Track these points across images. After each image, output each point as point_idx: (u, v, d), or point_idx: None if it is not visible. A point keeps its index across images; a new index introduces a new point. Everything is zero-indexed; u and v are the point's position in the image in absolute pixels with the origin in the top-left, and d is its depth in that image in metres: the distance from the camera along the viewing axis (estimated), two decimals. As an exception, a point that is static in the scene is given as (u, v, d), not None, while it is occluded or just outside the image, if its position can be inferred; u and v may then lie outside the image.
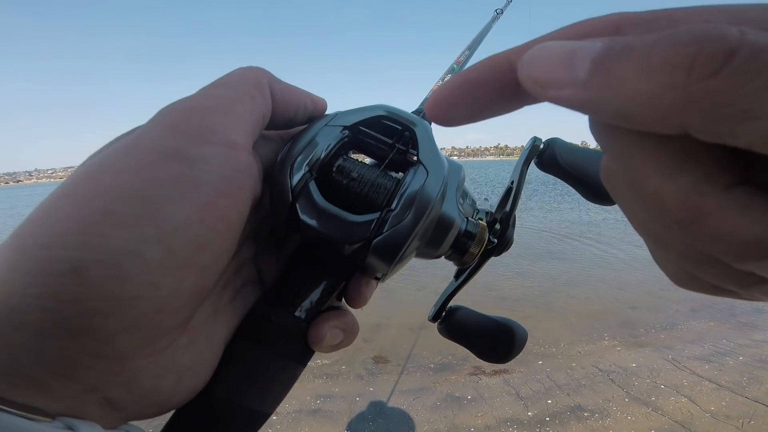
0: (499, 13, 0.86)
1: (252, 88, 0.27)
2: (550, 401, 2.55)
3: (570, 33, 0.16)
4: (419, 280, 4.36)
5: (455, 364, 2.96)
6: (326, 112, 0.32)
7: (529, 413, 2.45)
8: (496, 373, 2.83)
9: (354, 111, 0.30)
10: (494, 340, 0.38)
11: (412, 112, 0.32)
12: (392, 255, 0.27)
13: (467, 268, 0.39)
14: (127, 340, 0.20)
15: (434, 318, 0.40)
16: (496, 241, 0.37)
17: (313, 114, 0.31)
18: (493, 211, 0.39)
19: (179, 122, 0.23)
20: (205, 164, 0.22)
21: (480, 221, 0.33)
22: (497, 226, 0.38)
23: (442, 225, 0.30)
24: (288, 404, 2.48)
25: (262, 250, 0.31)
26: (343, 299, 0.32)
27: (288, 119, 0.30)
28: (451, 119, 0.19)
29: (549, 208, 10.84)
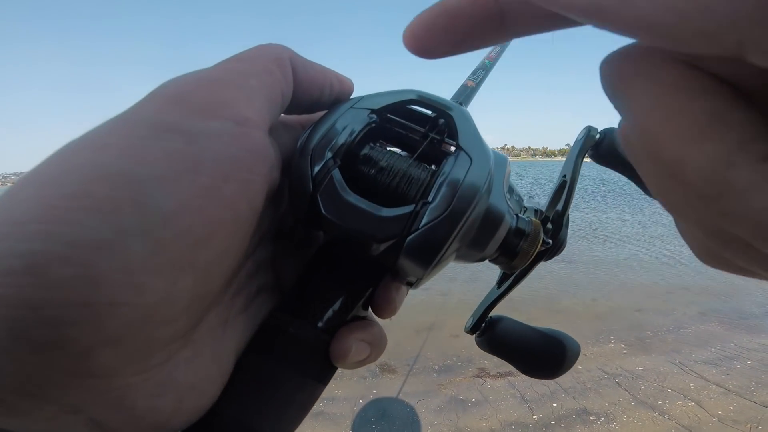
0: None
1: (271, 63, 0.23)
2: (555, 405, 2.53)
3: None
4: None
5: (459, 366, 2.94)
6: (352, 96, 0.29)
7: (534, 417, 2.43)
8: (500, 375, 2.81)
9: (382, 94, 0.27)
10: (542, 355, 0.34)
11: None
12: (429, 257, 0.23)
13: (512, 274, 0.35)
14: (110, 356, 0.16)
15: (473, 329, 0.36)
16: (550, 242, 0.32)
17: (339, 96, 0.28)
18: (544, 209, 0.35)
19: (181, 94, 0.20)
20: (208, 141, 0.19)
21: (532, 219, 0.29)
22: (549, 225, 0.34)
23: (490, 222, 0.26)
24: (291, 406, 2.46)
25: (282, 252, 0.27)
26: (370, 308, 0.28)
27: (312, 100, 0.26)
28: (429, 50, 0.18)
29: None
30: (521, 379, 2.77)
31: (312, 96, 0.26)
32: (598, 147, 0.34)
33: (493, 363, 2.86)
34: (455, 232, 0.22)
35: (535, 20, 0.16)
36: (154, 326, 0.17)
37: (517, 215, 0.28)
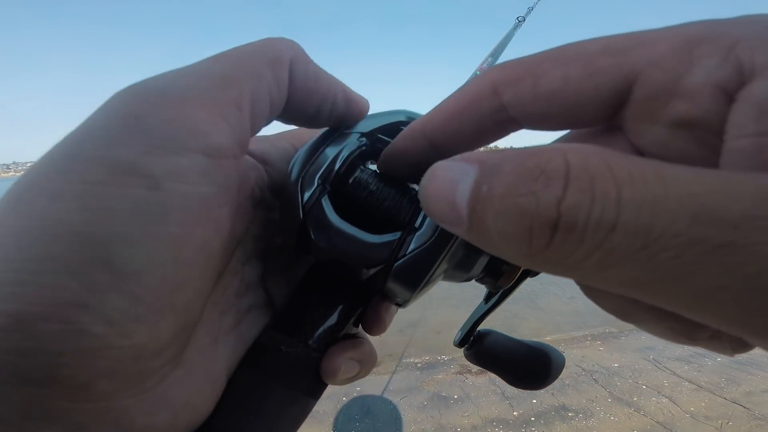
0: (520, 20, 0.87)
1: (264, 65, 0.21)
2: (534, 401, 2.58)
3: (455, 104, 0.18)
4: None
5: (442, 364, 2.97)
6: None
7: (515, 413, 2.47)
8: (482, 372, 2.85)
9: (372, 116, 0.27)
10: (529, 367, 0.35)
11: None
12: (416, 281, 0.23)
13: (498, 292, 0.36)
14: (107, 385, 0.17)
15: (461, 343, 0.37)
16: None
17: (345, 116, 0.26)
18: None
19: (140, 116, 0.17)
20: (175, 183, 0.17)
21: None
22: None
23: (474, 245, 0.26)
24: (274, 404, 2.45)
25: (271, 271, 0.27)
26: (360, 326, 0.29)
27: (309, 115, 0.24)
28: (403, 176, 0.23)
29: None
30: (502, 376, 2.81)
31: (308, 110, 0.24)
32: None
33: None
34: (440, 258, 0.23)
35: (457, 148, 0.19)
36: (143, 360, 0.18)
37: None
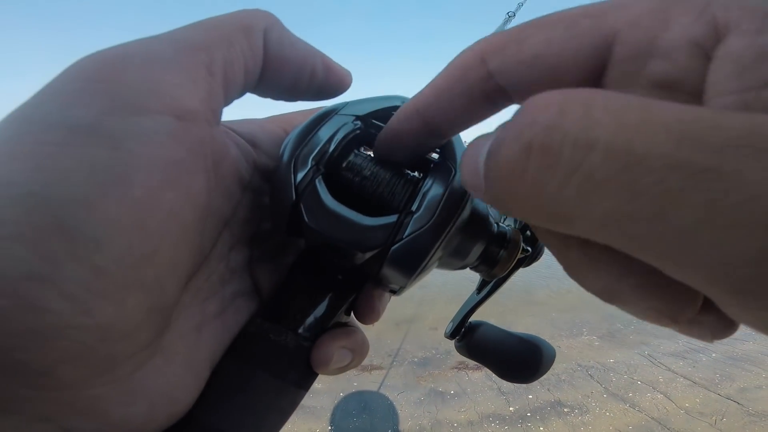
0: (510, 16, 0.89)
1: (236, 31, 0.20)
2: (531, 396, 2.59)
3: (445, 77, 0.18)
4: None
5: (439, 359, 2.98)
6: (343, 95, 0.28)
7: (511, 408, 2.48)
8: (478, 368, 2.86)
9: (367, 100, 0.26)
10: (519, 360, 0.34)
11: None
12: (413, 266, 0.22)
13: (492, 281, 0.35)
14: (71, 371, 0.15)
15: (452, 335, 0.36)
16: (529, 249, 0.33)
17: (326, 86, 0.25)
18: None
19: (100, 79, 0.16)
20: (139, 144, 0.16)
21: (512, 227, 0.30)
22: (528, 233, 0.34)
23: (471, 230, 0.26)
24: (271, 399, 2.45)
25: (259, 257, 0.26)
26: (352, 314, 0.28)
27: (287, 84, 0.23)
28: (391, 156, 0.23)
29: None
30: (498, 371, 2.82)
31: (286, 78, 0.23)
32: None
33: (471, 355, 2.90)
34: (438, 242, 0.22)
35: (452, 125, 0.19)
36: (112, 343, 0.16)
37: (497, 224, 0.29)
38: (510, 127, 0.12)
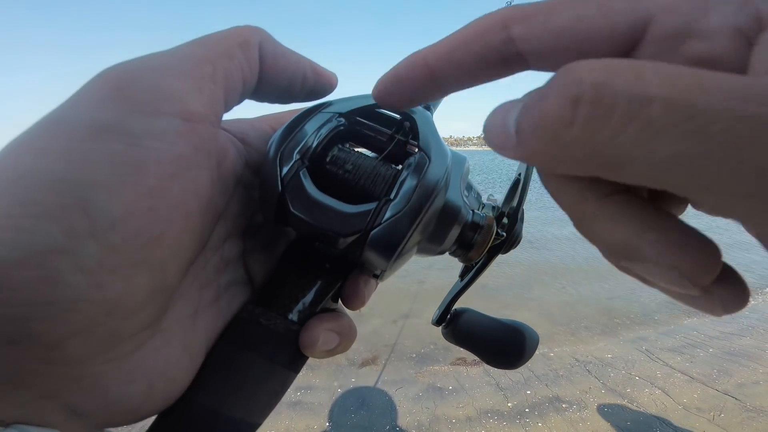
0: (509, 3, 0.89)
1: (234, 47, 0.23)
2: (529, 392, 2.59)
3: (462, 34, 0.18)
4: (401, 270, 4.26)
5: (436, 354, 2.97)
6: (331, 94, 0.30)
7: (509, 404, 2.48)
8: (476, 363, 2.86)
9: (349, 98, 0.28)
10: (503, 345, 0.35)
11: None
12: (392, 248, 0.24)
13: (473, 267, 0.37)
14: (80, 346, 0.17)
15: (438, 321, 0.38)
16: (504, 235, 0.34)
17: (316, 88, 0.28)
18: (500, 205, 0.37)
19: (121, 87, 0.19)
20: (152, 141, 0.19)
21: (487, 214, 0.31)
22: (505, 220, 0.35)
23: (446, 216, 0.28)
24: (269, 396, 2.44)
25: (251, 249, 0.29)
26: (340, 300, 0.29)
27: (282, 89, 0.27)
28: (391, 105, 0.22)
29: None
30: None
31: (281, 84, 0.26)
32: None
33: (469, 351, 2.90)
34: (414, 225, 0.24)
35: (458, 81, 0.19)
36: (117, 319, 0.18)
37: (473, 210, 0.30)
38: (552, 85, 0.13)
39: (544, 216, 6.96)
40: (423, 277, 4.04)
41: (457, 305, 0.38)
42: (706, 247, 0.14)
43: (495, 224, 0.31)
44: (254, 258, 0.29)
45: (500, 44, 0.17)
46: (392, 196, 0.24)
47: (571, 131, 0.12)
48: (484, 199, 0.35)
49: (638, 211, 0.14)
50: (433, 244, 0.29)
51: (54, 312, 0.16)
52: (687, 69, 0.11)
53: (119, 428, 0.23)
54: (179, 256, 0.20)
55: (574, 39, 0.16)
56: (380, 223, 0.24)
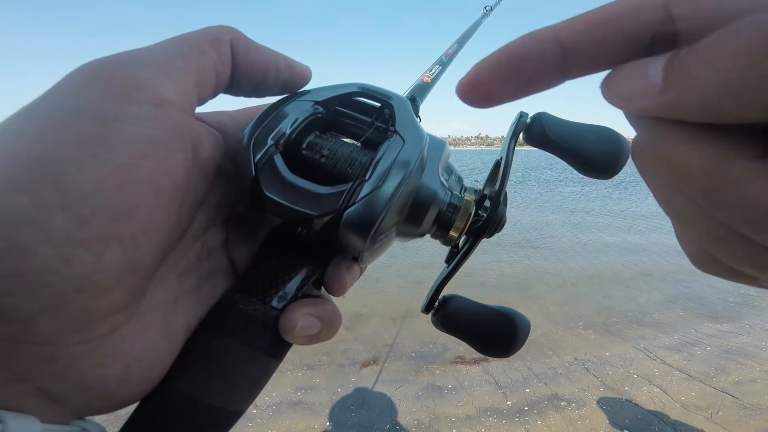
0: (488, 10, 0.90)
1: (206, 43, 0.24)
2: (528, 390, 2.60)
3: (609, 9, 0.16)
4: (400, 269, 4.36)
5: (436, 353, 2.98)
6: (308, 85, 0.30)
7: (509, 402, 2.49)
8: (476, 362, 2.87)
9: (326, 87, 0.29)
10: (494, 332, 0.34)
11: None
12: (367, 228, 0.24)
13: (458, 251, 0.36)
14: (51, 323, 0.17)
15: (426, 309, 0.37)
16: (484, 215, 0.33)
17: (290, 81, 0.29)
18: (482, 188, 0.36)
19: (97, 77, 0.20)
20: (124, 123, 0.20)
21: (466, 196, 0.31)
22: (487, 203, 0.34)
23: (423, 197, 0.28)
24: (268, 396, 2.46)
25: (234, 239, 0.29)
26: (324, 288, 0.29)
27: (256, 82, 0.27)
28: (492, 97, 0.18)
29: (529, 199, 10.98)
30: (495, 365, 2.83)
31: (255, 78, 0.27)
32: (529, 130, 0.34)
33: (469, 349, 2.89)
34: (388, 203, 0.24)
35: (593, 63, 0.17)
36: (88, 296, 0.18)
37: (451, 192, 0.30)
38: (718, 33, 0.12)
39: (543, 218, 6.97)
40: (422, 277, 4.06)
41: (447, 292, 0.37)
42: None
43: (474, 205, 0.31)
44: (237, 248, 0.29)
45: (658, 22, 0.16)
46: (367, 176, 0.24)
47: (750, 69, 0.11)
48: (468, 183, 0.35)
49: None
50: (411, 226, 0.29)
51: (22, 285, 0.16)
52: None
53: (104, 416, 0.23)
54: (152, 234, 0.20)
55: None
56: (355, 202, 0.24)
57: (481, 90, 0.18)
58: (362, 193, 0.24)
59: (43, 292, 0.17)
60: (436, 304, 0.36)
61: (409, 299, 3.66)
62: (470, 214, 0.30)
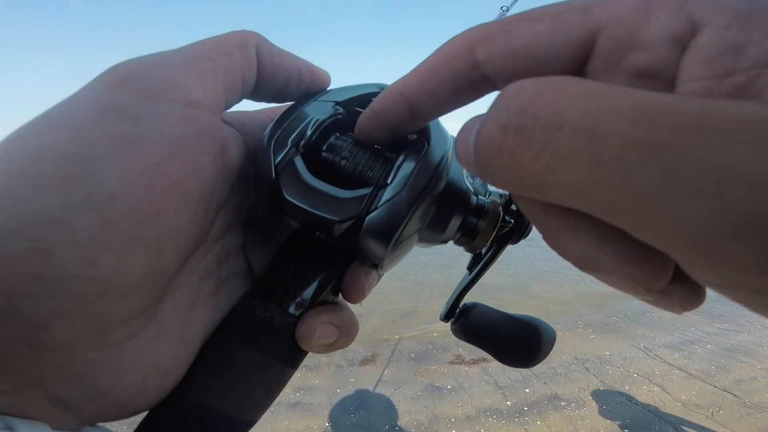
0: (505, 10, 0.88)
1: (233, 47, 0.24)
2: (527, 390, 2.60)
3: (432, 63, 0.18)
4: (399, 269, 4.29)
5: (435, 354, 2.97)
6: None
7: (508, 402, 2.49)
8: (475, 362, 2.86)
9: (346, 88, 0.28)
10: (517, 342, 0.32)
11: None
12: (389, 234, 0.23)
13: (481, 258, 0.34)
14: (67, 328, 0.17)
15: (446, 317, 0.35)
16: (511, 221, 0.32)
17: (311, 86, 0.28)
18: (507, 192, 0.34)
19: (129, 77, 0.20)
20: (153, 122, 0.19)
21: (493, 200, 0.30)
22: (514, 207, 0.32)
23: (447, 201, 0.27)
24: (267, 397, 2.44)
25: (252, 241, 0.28)
26: (341, 295, 0.28)
27: (279, 87, 0.27)
28: (376, 140, 0.24)
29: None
30: (495, 366, 2.83)
31: (278, 83, 0.27)
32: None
33: (468, 350, 2.91)
34: (412, 209, 0.23)
35: (435, 110, 0.20)
36: (109, 300, 0.18)
37: (477, 196, 0.29)
38: (490, 111, 0.14)
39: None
40: (421, 277, 4.05)
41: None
42: (657, 258, 0.14)
43: (501, 209, 0.30)
44: (256, 251, 0.28)
45: (467, 70, 0.18)
46: (389, 180, 0.23)
47: (501, 158, 0.13)
48: (491, 186, 0.33)
49: (596, 225, 0.15)
50: (434, 232, 0.28)
51: (42, 288, 0.16)
52: (606, 88, 0.12)
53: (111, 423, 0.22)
54: (177, 239, 0.20)
55: (532, 58, 0.16)
56: (376, 207, 0.23)
57: (367, 136, 0.23)
58: (384, 198, 0.23)
59: (62, 296, 0.16)
60: (457, 312, 0.35)
61: (409, 299, 3.65)
62: (498, 219, 0.29)
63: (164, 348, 0.22)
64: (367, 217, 0.23)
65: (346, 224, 0.23)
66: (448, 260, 4.23)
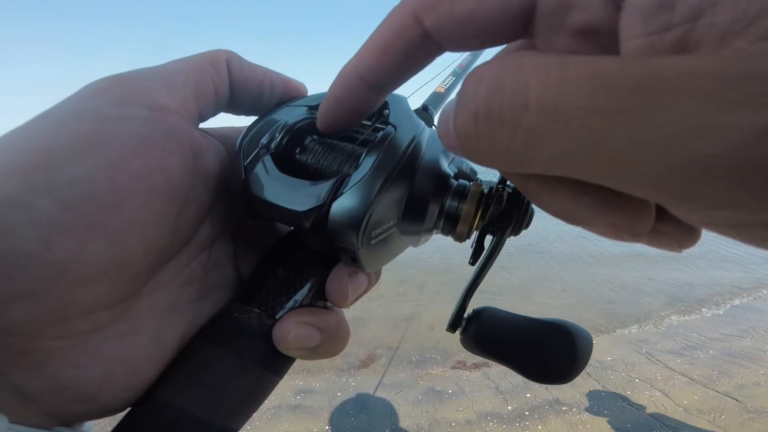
0: None
1: (204, 62, 0.26)
2: (528, 395, 2.58)
3: (382, 38, 0.19)
4: (399, 274, 4.32)
5: (436, 358, 2.96)
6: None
7: (509, 407, 2.48)
8: (476, 367, 2.85)
9: (321, 93, 0.27)
10: (545, 351, 0.27)
11: (415, 110, 0.30)
12: (356, 219, 0.22)
13: (481, 253, 0.30)
14: (24, 311, 0.17)
15: (453, 326, 0.30)
16: (501, 207, 0.27)
17: (285, 96, 0.29)
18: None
19: (103, 88, 0.22)
20: (120, 123, 0.21)
21: (476, 181, 0.27)
22: (508, 188, 0.28)
23: (422, 185, 0.25)
24: (267, 400, 2.42)
25: (243, 252, 0.29)
26: (329, 300, 0.27)
27: (253, 99, 0.28)
28: (340, 128, 0.24)
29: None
30: (496, 370, 2.81)
31: (251, 94, 0.28)
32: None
33: (469, 354, 2.88)
34: (378, 192, 0.22)
35: (395, 80, 0.21)
36: (67, 285, 0.18)
37: (457, 180, 0.27)
38: (459, 99, 0.14)
39: (543, 222, 6.91)
40: (423, 282, 4.05)
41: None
42: (636, 205, 0.15)
43: (484, 188, 0.27)
44: (246, 261, 0.29)
45: (419, 39, 0.18)
46: (357, 168, 0.23)
47: (479, 143, 0.14)
48: (479, 174, 0.30)
49: (572, 182, 0.15)
50: (415, 223, 0.26)
51: None
52: (560, 60, 0.12)
53: (99, 425, 0.23)
54: (141, 231, 0.20)
55: (478, 23, 0.17)
56: (342, 193, 0.22)
57: (331, 128, 0.24)
58: (350, 184, 0.22)
59: (19, 277, 0.17)
60: (465, 319, 0.30)
61: (410, 303, 3.64)
62: (479, 201, 0.26)
63: (134, 345, 0.22)
64: (333, 204, 0.22)
65: (313, 213, 0.22)
66: (450, 264, 4.23)
